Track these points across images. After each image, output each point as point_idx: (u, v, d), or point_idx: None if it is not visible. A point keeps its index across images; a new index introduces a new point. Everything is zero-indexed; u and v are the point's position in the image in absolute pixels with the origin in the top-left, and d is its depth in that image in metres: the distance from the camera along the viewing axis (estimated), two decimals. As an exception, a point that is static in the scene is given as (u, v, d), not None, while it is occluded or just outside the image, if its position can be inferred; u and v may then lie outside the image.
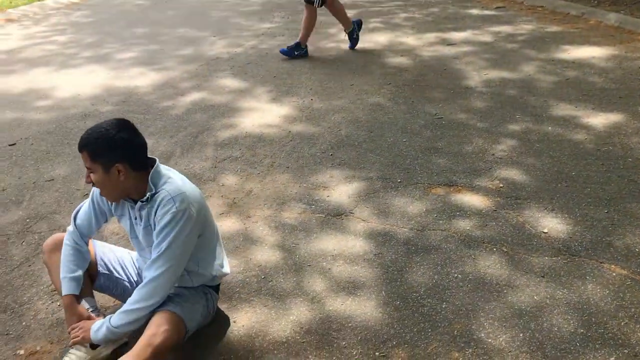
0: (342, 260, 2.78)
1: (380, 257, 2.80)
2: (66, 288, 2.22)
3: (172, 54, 6.38)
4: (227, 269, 2.42)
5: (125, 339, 2.27)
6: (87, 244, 2.32)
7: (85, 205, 2.33)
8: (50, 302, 2.55)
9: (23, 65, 6.08)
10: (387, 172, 3.64)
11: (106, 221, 2.33)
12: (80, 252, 2.27)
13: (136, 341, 2.00)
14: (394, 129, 4.27)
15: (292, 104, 4.82)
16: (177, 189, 2.10)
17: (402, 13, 8.21)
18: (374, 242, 2.92)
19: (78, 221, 2.30)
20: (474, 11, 8.15)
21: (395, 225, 3.06)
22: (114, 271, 2.39)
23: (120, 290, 2.41)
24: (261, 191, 3.46)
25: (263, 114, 4.62)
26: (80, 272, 2.24)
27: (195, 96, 5.06)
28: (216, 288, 2.41)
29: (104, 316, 2.22)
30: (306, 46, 6.09)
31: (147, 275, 2.08)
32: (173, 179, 2.15)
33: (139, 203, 2.13)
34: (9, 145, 4.14)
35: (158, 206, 2.08)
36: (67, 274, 2.22)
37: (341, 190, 3.44)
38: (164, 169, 2.18)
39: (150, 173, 2.12)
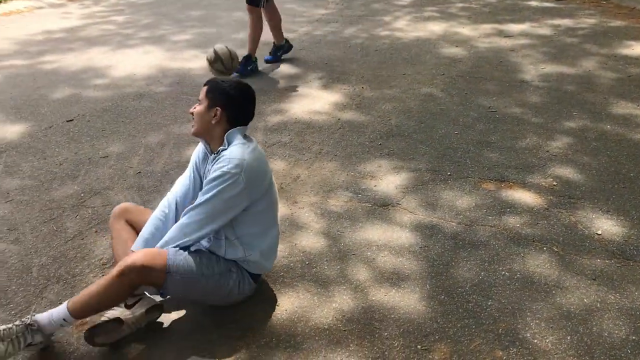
0: (387, 251, 2.76)
1: (426, 250, 2.77)
2: (136, 244, 2.38)
3: (227, 38, 6.43)
4: (267, 263, 2.42)
5: (159, 300, 2.34)
6: (177, 210, 2.43)
7: (184, 172, 2.54)
8: (100, 274, 2.63)
9: (82, 44, 6.24)
10: (437, 164, 3.59)
11: (201, 188, 2.37)
12: (162, 222, 2.41)
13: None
14: (446, 120, 4.20)
15: (342, 92, 4.80)
16: (239, 154, 2.23)
17: (459, 3, 8.05)
18: (421, 235, 2.89)
19: (176, 187, 2.49)
20: (534, 3, 7.91)
21: (443, 219, 3.02)
22: None
23: None
24: (308, 178, 3.46)
25: (313, 101, 4.62)
26: (153, 239, 2.37)
27: (247, 80, 5.09)
28: (254, 276, 2.42)
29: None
30: (256, 59, 5.30)
31: (182, 218, 2.27)
32: (244, 145, 2.28)
33: (213, 155, 2.33)
34: (67, 121, 4.26)
35: (215, 161, 2.26)
36: (143, 233, 2.40)
37: (389, 180, 3.41)
38: (245, 137, 2.35)
39: (230, 131, 2.31)
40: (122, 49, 6.03)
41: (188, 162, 2.56)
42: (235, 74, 4.88)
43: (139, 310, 2.31)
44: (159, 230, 2.39)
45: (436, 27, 6.73)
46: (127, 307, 2.31)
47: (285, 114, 4.38)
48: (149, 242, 2.35)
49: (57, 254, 2.78)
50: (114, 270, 2.12)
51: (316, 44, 6.16)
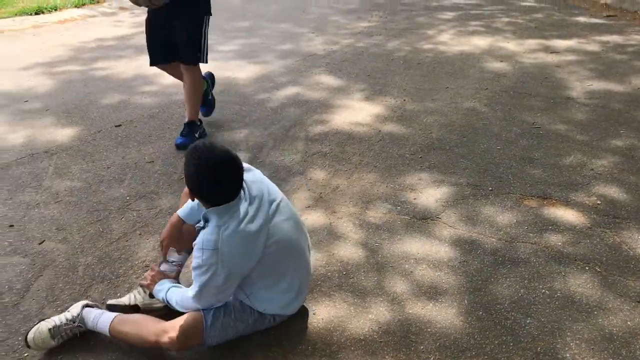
0: (425, 265, 2.75)
1: (465, 265, 2.75)
2: (181, 209, 2.40)
3: (271, 49, 6.54)
4: (290, 309, 2.31)
5: None
6: None
7: None
8: (142, 276, 2.70)
9: (132, 51, 6.43)
10: (478, 179, 3.56)
11: None
12: None
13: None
14: (488, 135, 4.17)
15: (384, 104, 4.81)
16: (212, 242, 2.02)
17: (504, 17, 7.98)
18: (460, 250, 2.87)
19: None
20: (582, 19, 7.78)
21: (483, 234, 2.99)
22: None
23: None
24: (348, 188, 3.48)
25: (354, 112, 4.65)
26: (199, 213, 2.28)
27: (290, 91, 5.17)
28: None
29: (178, 275, 2.45)
30: (201, 122, 4.20)
31: (189, 291, 2.15)
32: (222, 228, 2.03)
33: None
34: (115, 126, 4.40)
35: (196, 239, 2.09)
36: (193, 203, 2.34)
37: (429, 193, 3.40)
38: (233, 209, 2.06)
39: (208, 210, 2.08)
40: (169, 57, 6.19)
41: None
42: (181, 141, 4.00)
43: (158, 304, 2.38)
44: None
45: (481, 42, 6.68)
46: (151, 295, 2.39)
47: (326, 124, 4.42)
48: (193, 214, 2.35)
49: (102, 254, 2.87)
50: (152, 335, 2.13)
51: (358, 56, 6.20)
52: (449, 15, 8.17)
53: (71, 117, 4.56)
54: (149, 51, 3.98)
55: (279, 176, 3.61)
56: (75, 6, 8.56)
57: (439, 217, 3.16)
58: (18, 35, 6.98)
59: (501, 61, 5.93)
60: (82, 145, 4.06)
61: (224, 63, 5.97)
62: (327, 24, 7.66)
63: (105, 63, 6.00)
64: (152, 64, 4.02)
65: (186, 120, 4.11)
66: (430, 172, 3.66)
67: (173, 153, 3.94)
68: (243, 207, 2.09)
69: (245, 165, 2.17)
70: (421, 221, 3.12)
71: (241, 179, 2.07)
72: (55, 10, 7.93)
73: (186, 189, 2.27)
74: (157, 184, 3.54)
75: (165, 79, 5.46)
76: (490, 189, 3.44)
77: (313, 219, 3.16)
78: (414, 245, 2.90)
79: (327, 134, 4.24)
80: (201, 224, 2.11)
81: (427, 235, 2.99)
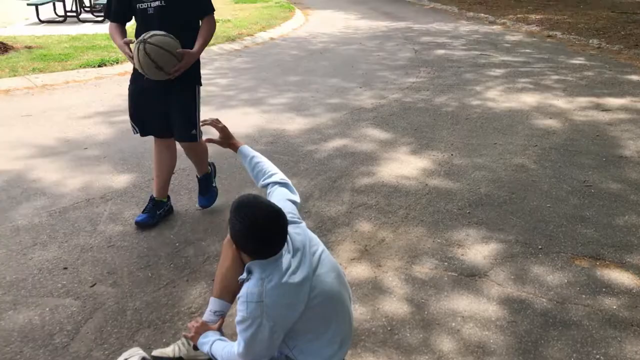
0: (472, 323, 2.69)
1: (514, 325, 2.67)
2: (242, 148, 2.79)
3: (320, 102, 6.68)
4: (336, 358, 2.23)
5: None
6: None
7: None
8: (188, 322, 2.72)
9: (186, 103, 6.68)
10: (527, 236, 3.49)
11: None
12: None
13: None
14: (538, 192, 4.11)
15: (431, 158, 4.82)
16: (256, 295, 2.01)
17: (554, 75, 7.95)
18: (509, 309, 2.79)
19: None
20: (634, 77, 7.68)
21: (532, 294, 2.91)
22: None
23: None
24: (393, 241, 3.47)
25: (401, 165, 4.66)
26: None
27: (337, 143, 5.24)
28: None
29: (221, 325, 2.38)
30: (168, 197, 3.83)
31: (235, 347, 2.13)
32: (265, 281, 2.03)
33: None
34: (168, 174, 4.54)
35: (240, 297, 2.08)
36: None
37: (477, 250, 3.35)
38: (276, 262, 2.06)
39: (250, 263, 2.09)
40: (223, 109, 6.39)
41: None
42: (142, 219, 3.67)
43: (202, 356, 2.39)
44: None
45: (529, 99, 6.66)
46: (195, 348, 2.37)
47: (373, 176, 4.45)
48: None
49: (150, 299, 2.92)
50: None
51: (406, 110, 6.26)
52: (497, 72, 8.20)
53: (127, 165, 4.73)
54: (138, 121, 3.57)
55: (324, 227, 3.63)
56: (135, 59, 8.98)
57: (487, 274, 3.10)
58: (81, 86, 7.36)
59: (551, 118, 5.88)
60: (136, 192, 4.20)
61: (275, 115, 6.12)
62: (375, 79, 7.79)
63: (160, 113, 6.23)
64: (143, 134, 3.62)
65: (198, 175, 3.86)
66: (478, 228, 3.61)
67: (222, 201, 4.02)
68: (286, 259, 2.08)
69: (289, 216, 2.19)
70: (469, 278, 3.07)
71: (286, 234, 2.08)
72: (117, 63, 8.32)
73: (228, 238, 2.27)
74: (206, 231, 3.61)
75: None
76: (540, 247, 3.37)
77: (358, 271, 3.15)
78: (462, 303, 2.85)
79: (374, 186, 4.26)
80: (244, 276, 2.11)
81: (474, 293, 2.93)
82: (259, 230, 2.01)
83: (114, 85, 7.46)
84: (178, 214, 3.85)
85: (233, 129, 5.23)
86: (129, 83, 3.56)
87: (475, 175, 4.44)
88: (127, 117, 3.54)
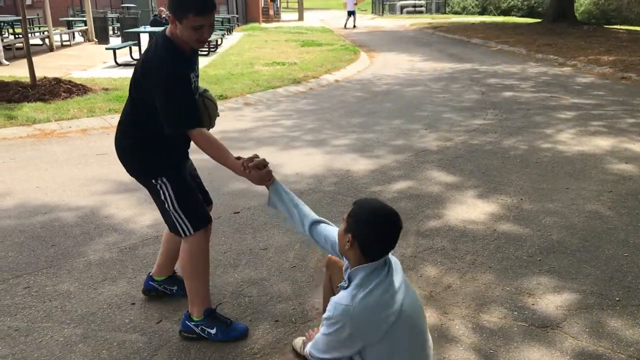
0: (545, 378, 2.55)
1: (591, 382, 2.51)
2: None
3: (384, 143, 6.67)
4: None
5: None
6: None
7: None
8: (251, 364, 2.72)
9: (253, 144, 6.82)
10: (603, 287, 3.31)
11: None
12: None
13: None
14: (614, 240, 3.91)
15: (499, 202, 4.69)
16: (347, 299, 2.09)
17: (629, 118, 7.66)
18: (584, 364, 2.63)
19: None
20: None
21: (610, 349, 2.74)
22: None
23: None
24: (460, 288, 3.36)
25: (468, 209, 4.56)
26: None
27: (402, 184, 5.20)
28: None
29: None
30: (172, 277, 3.34)
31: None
32: (359, 289, 2.10)
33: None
34: (234, 213, 4.61)
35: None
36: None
37: (549, 300, 3.20)
38: (371, 274, 2.14)
39: (355, 269, 2.16)
40: (287, 149, 6.49)
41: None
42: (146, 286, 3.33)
43: None
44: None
45: (603, 142, 6.42)
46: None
47: (439, 220, 4.36)
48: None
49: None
50: None
51: (472, 152, 6.16)
52: (568, 114, 7.98)
53: (194, 203, 4.84)
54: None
55: (389, 271, 3.57)
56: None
57: (560, 326, 2.94)
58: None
59: (626, 163, 5.63)
60: (202, 230, 4.28)
61: (338, 156, 6.15)
62: (441, 121, 7.73)
63: (228, 153, 6.39)
64: None
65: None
66: (550, 276, 3.46)
67: (286, 241, 4.04)
68: (384, 273, 2.16)
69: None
70: (540, 329, 2.92)
71: (397, 239, 2.16)
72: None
73: (330, 259, 2.59)
74: (269, 271, 3.62)
75: (283, 169, 5.70)
76: (617, 299, 3.18)
77: (423, 318, 3.06)
78: (533, 355, 2.71)
79: (439, 230, 4.18)
80: (344, 283, 2.20)
81: (547, 345, 2.78)
82: (383, 223, 2.13)
83: (184, 126, 7.72)
84: (242, 252, 3.89)
85: (297, 169, 5.29)
86: None
87: (546, 221, 4.28)
88: (195, 157, 3.63)
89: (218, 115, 3.06)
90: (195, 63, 2.82)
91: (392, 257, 2.27)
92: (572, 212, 4.44)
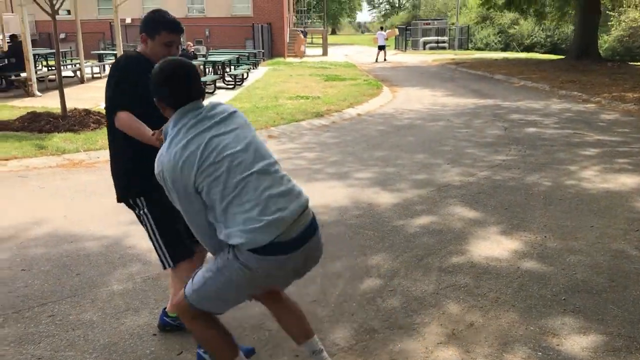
0: (571, 422, 2.49)
1: None
2: None
3: (406, 178, 6.68)
4: (237, 239, 2.30)
5: None
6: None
7: None
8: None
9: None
10: (631, 329, 3.24)
11: None
12: None
13: None
14: (641, 281, 3.83)
15: (523, 239, 4.65)
16: (162, 151, 2.34)
17: (656, 155, 7.56)
18: (612, 409, 2.57)
19: None
20: None
21: (638, 394, 2.67)
22: None
23: None
24: (483, 326, 3.32)
25: (491, 246, 4.52)
26: None
27: (424, 219, 5.18)
28: (258, 250, 2.32)
29: None
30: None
31: None
32: (171, 138, 2.34)
33: None
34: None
35: None
36: None
37: (574, 341, 3.14)
38: (183, 118, 2.36)
39: (171, 119, 2.41)
40: (310, 182, 6.53)
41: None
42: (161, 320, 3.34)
43: None
44: None
45: (629, 180, 6.34)
46: None
47: (461, 256, 4.33)
48: None
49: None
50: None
51: (495, 188, 6.13)
52: (592, 151, 7.91)
53: (217, 234, 4.88)
54: None
55: (409, 307, 3.54)
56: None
57: (586, 368, 2.88)
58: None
59: (654, 201, 5.55)
60: (224, 262, 4.30)
61: (360, 190, 6.17)
62: (463, 156, 7.72)
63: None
64: None
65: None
66: (576, 316, 3.40)
67: (306, 275, 4.03)
68: (193, 118, 2.36)
69: (227, 105, 2.50)
70: (565, 371, 2.86)
71: (188, 82, 2.39)
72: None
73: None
74: (290, 305, 3.61)
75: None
76: (646, 342, 3.11)
77: (445, 356, 3.02)
78: (558, 398, 2.65)
79: (462, 267, 4.14)
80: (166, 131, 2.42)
81: (572, 388, 2.72)
82: (167, 76, 2.39)
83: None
84: (264, 285, 3.89)
85: (319, 201, 5.32)
86: None
87: (571, 260, 4.22)
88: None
89: None
90: None
91: (225, 107, 2.48)
92: (597, 251, 4.37)
